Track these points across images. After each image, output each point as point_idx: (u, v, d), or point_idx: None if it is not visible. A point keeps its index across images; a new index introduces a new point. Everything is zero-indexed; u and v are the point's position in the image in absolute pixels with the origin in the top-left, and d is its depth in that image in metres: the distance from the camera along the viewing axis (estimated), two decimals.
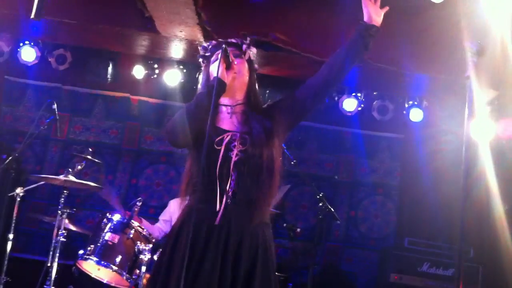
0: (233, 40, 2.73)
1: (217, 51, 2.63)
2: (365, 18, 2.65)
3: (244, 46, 2.70)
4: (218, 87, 2.49)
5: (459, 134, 6.12)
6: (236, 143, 2.54)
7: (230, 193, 2.50)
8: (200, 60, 2.69)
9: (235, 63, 2.61)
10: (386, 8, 2.70)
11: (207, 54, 2.68)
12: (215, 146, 2.53)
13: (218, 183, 2.50)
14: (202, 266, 2.43)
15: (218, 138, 2.55)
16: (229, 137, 2.56)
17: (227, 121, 2.65)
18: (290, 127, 2.73)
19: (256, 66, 2.78)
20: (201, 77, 2.70)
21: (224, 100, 2.67)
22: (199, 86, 2.71)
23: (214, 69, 2.54)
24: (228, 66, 2.57)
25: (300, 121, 2.75)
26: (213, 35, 5.12)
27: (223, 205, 2.49)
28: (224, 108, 2.68)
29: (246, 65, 2.68)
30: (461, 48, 4.61)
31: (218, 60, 2.52)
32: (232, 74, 2.59)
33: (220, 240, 2.47)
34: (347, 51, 2.62)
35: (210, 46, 2.70)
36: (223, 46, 2.53)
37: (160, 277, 2.53)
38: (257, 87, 2.74)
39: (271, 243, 2.61)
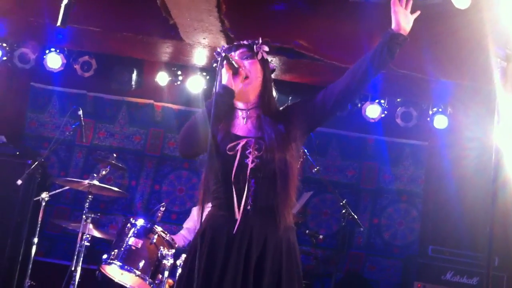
0: (244, 42, 2.69)
1: (230, 52, 2.63)
2: (393, 26, 2.53)
3: (255, 47, 2.65)
4: (223, 95, 2.48)
5: (483, 141, 6.08)
6: (251, 150, 2.52)
7: (250, 200, 2.49)
8: (215, 65, 2.63)
9: (243, 67, 2.58)
10: (417, 13, 2.60)
11: (224, 55, 2.61)
12: (228, 152, 2.51)
13: (234, 191, 2.49)
14: (224, 276, 2.42)
15: (231, 145, 2.53)
16: (243, 143, 2.54)
17: (242, 126, 2.63)
18: (307, 131, 2.68)
19: (272, 64, 2.73)
20: (217, 83, 2.64)
21: (238, 104, 2.65)
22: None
23: (223, 77, 2.52)
24: (236, 72, 2.53)
25: (318, 126, 2.72)
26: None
27: (240, 213, 2.47)
28: (239, 113, 2.65)
29: (258, 65, 2.63)
30: (487, 55, 4.58)
31: (218, 69, 2.51)
32: (241, 78, 2.55)
33: (242, 248, 2.45)
34: (372, 58, 2.52)
35: (222, 51, 2.64)
36: (223, 54, 2.51)
37: (182, 285, 2.53)
38: (272, 87, 2.70)
39: (295, 248, 2.59)
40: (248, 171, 2.50)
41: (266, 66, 2.68)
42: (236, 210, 2.48)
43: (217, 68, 2.56)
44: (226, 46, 2.71)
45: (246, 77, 2.58)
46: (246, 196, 2.49)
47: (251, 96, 2.63)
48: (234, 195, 2.49)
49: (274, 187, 2.50)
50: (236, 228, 2.46)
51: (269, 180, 2.50)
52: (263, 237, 2.49)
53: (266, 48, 2.66)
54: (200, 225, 2.60)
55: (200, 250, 2.51)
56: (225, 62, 2.51)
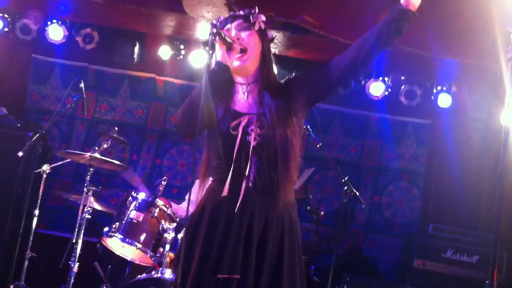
0: (240, 12, 2.61)
1: (226, 24, 2.57)
2: (402, 1, 2.43)
3: (252, 17, 2.58)
4: (218, 72, 2.44)
5: (488, 121, 6.06)
6: (253, 127, 2.48)
7: (252, 177, 2.47)
8: (211, 38, 2.52)
9: (238, 41, 2.51)
10: None
11: (216, 29, 2.50)
12: (231, 131, 2.48)
13: (233, 169, 2.46)
14: (224, 250, 2.41)
15: (235, 123, 2.49)
16: (245, 120, 2.50)
17: (243, 103, 2.58)
18: (309, 105, 2.64)
19: (270, 33, 2.66)
20: (214, 58, 2.56)
21: (238, 79, 2.60)
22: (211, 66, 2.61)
23: (217, 53, 2.47)
24: (229, 47, 2.47)
25: (320, 100, 2.67)
26: None
27: (242, 191, 2.45)
28: (240, 88, 2.61)
29: (256, 36, 2.57)
30: (493, 34, 4.53)
31: (209, 45, 2.47)
32: (235, 53, 2.49)
33: (243, 224, 2.44)
34: (378, 34, 2.45)
35: (218, 22, 2.57)
36: (214, 29, 2.43)
37: (181, 258, 2.53)
38: (271, 58, 2.64)
39: (297, 224, 2.58)
40: (251, 149, 2.47)
41: (264, 36, 2.61)
42: (227, 188, 2.46)
43: (209, 43, 2.50)
44: (222, 17, 2.62)
45: (244, 51, 2.52)
46: (248, 173, 2.47)
47: (251, 69, 2.58)
48: (236, 172, 2.47)
49: (276, 164, 2.47)
50: (237, 206, 2.44)
51: (271, 157, 2.47)
52: (265, 213, 2.47)
53: (263, 18, 2.60)
54: (200, 199, 2.60)
55: (200, 224, 2.51)
56: (217, 37, 2.44)
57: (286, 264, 2.45)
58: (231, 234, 2.43)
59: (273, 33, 2.70)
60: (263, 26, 2.59)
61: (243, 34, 2.55)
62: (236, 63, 2.51)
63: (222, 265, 2.39)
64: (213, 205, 2.51)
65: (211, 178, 2.63)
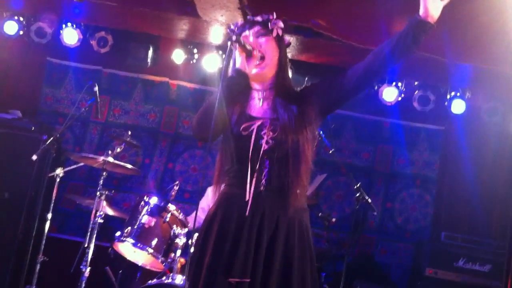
0: (259, 18, 2.62)
1: (244, 30, 2.58)
2: (421, 12, 2.38)
3: (270, 24, 2.60)
4: (236, 79, 2.47)
5: (502, 127, 6.01)
6: (266, 130, 2.50)
7: (263, 181, 2.48)
8: (229, 43, 2.55)
9: (258, 48, 2.53)
10: (448, 0, 2.40)
11: (233, 36, 2.55)
12: (243, 133, 2.50)
13: (249, 171, 2.47)
14: (235, 255, 2.42)
15: (246, 125, 2.52)
16: (259, 123, 2.52)
17: (258, 108, 2.61)
18: (324, 113, 2.65)
19: (286, 39, 2.66)
20: (230, 64, 2.60)
21: (255, 85, 2.63)
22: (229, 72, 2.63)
23: (236, 60, 2.50)
24: (249, 54, 2.50)
25: (336, 108, 2.68)
26: None
27: (251, 194, 2.46)
28: (255, 94, 2.63)
29: (274, 43, 2.59)
30: (508, 40, 4.49)
31: (227, 51, 2.48)
32: (255, 60, 2.52)
33: (253, 228, 2.45)
34: (395, 44, 2.42)
35: (236, 28, 2.60)
36: (235, 37, 2.47)
37: (193, 263, 2.54)
38: (287, 65, 2.66)
39: (308, 229, 2.58)
40: (262, 152, 2.49)
41: (282, 43, 2.63)
42: (248, 190, 2.47)
43: (228, 48, 2.52)
44: (239, 22, 2.65)
45: (262, 58, 2.55)
46: (259, 177, 2.48)
47: (268, 75, 2.60)
48: (248, 176, 2.48)
49: (287, 168, 2.48)
50: (248, 209, 2.45)
51: (283, 161, 2.49)
52: (275, 217, 2.49)
53: (281, 24, 2.61)
54: (214, 203, 2.61)
55: (211, 228, 2.52)
56: (237, 45, 2.47)
57: (296, 270, 2.46)
58: (242, 237, 2.44)
59: (286, 37, 2.68)
60: (280, 32, 2.60)
61: (261, 41, 2.57)
62: (254, 70, 2.54)
63: (233, 269, 2.40)
64: (225, 209, 2.53)
65: (223, 184, 2.64)
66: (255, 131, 2.50)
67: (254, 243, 2.44)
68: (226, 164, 2.60)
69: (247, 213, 2.46)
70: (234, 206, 2.50)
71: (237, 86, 2.48)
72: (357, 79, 2.54)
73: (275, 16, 2.62)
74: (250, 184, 2.47)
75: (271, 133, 2.50)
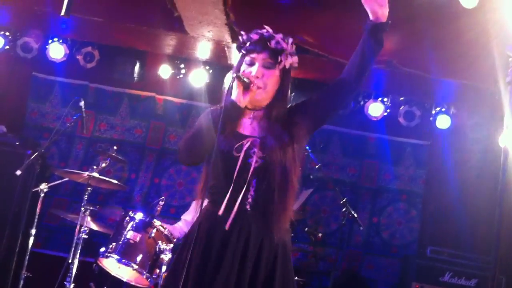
0: (272, 45, 2.51)
1: (254, 51, 2.52)
2: (371, 17, 2.47)
3: (281, 56, 2.51)
4: (230, 111, 2.43)
5: (487, 143, 6.05)
6: (255, 150, 2.49)
7: (250, 199, 2.47)
8: (234, 75, 2.48)
9: (257, 80, 2.48)
10: None
11: (243, 51, 2.54)
12: (234, 153, 2.47)
13: (232, 189, 2.45)
14: (218, 271, 2.40)
15: (238, 144, 2.49)
16: (248, 143, 2.50)
17: (247, 126, 2.58)
18: (311, 130, 2.65)
19: (295, 63, 2.58)
20: (229, 74, 2.54)
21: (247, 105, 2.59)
22: (226, 85, 2.59)
23: (233, 91, 2.45)
24: (247, 87, 2.45)
25: (322, 124, 2.67)
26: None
27: (235, 212, 2.44)
28: (246, 112, 2.59)
29: (277, 76, 2.52)
30: (492, 56, 4.54)
31: (229, 86, 2.45)
32: (252, 93, 2.48)
33: (238, 247, 2.43)
34: (362, 52, 2.49)
35: (248, 43, 2.55)
36: (235, 74, 2.43)
37: (173, 280, 2.51)
38: (287, 96, 2.60)
39: (289, 249, 2.58)
40: (251, 171, 2.47)
41: (286, 75, 2.57)
42: (223, 208, 2.45)
43: (229, 80, 2.48)
44: (253, 36, 2.54)
45: (259, 88, 2.51)
46: (244, 196, 2.46)
47: (263, 102, 2.57)
48: (228, 194, 2.46)
49: (273, 189, 2.47)
50: (228, 224, 2.43)
51: (270, 181, 2.48)
52: (260, 238, 2.47)
53: (292, 60, 2.54)
54: (197, 220, 2.58)
55: (194, 244, 2.48)
56: (236, 78, 2.43)
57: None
58: (226, 256, 2.42)
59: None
60: (288, 66, 2.54)
61: (265, 71, 2.51)
62: (248, 98, 2.49)
63: None
64: (208, 226, 2.50)
65: (207, 200, 2.62)
66: (244, 149, 2.48)
67: (238, 262, 2.42)
68: (211, 179, 2.57)
69: (226, 227, 2.43)
70: (217, 224, 2.48)
71: (230, 117, 2.44)
72: (339, 93, 2.57)
73: (289, 44, 2.54)
74: (229, 201, 2.45)
75: (260, 153, 2.48)
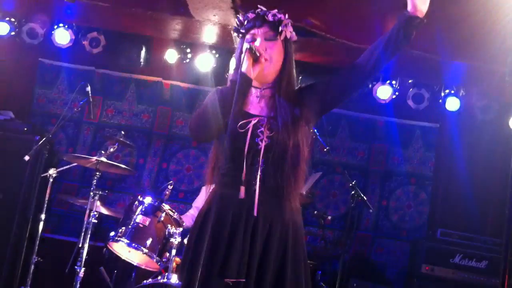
0: (270, 18, 2.55)
1: (253, 27, 2.54)
2: (409, 8, 2.40)
3: (280, 27, 2.54)
4: (240, 83, 2.41)
5: (496, 124, 6.01)
6: (263, 129, 2.48)
7: (257, 180, 2.45)
8: (235, 34, 2.55)
9: (265, 53, 2.49)
10: None
11: (242, 30, 2.55)
12: (239, 130, 2.46)
13: (244, 170, 2.44)
14: (230, 255, 2.39)
15: (242, 122, 2.48)
16: (255, 121, 2.49)
17: (255, 105, 2.58)
18: (320, 113, 2.64)
19: (294, 36, 2.61)
20: (233, 59, 2.59)
21: (254, 82, 2.57)
22: (231, 68, 2.62)
23: (243, 64, 2.44)
24: (256, 59, 2.46)
25: (332, 108, 2.65)
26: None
27: (257, 195, 2.43)
28: (253, 91, 2.60)
29: (281, 47, 2.55)
30: (502, 37, 4.50)
31: (242, 58, 2.44)
32: (261, 65, 2.49)
33: (248, 228, 2.43)
34: (387, 42, 2.44)
35: (246, 21, 2.57)
36: (249, 45, 2.44)
37: (187, 264, 2.51)
38: (292, 68, 2.62)
39: (301, 229, 2.57)
40: (262, 150, 2.46)
41: (289, 46, 2.59)
42: (243, 189, 2.44)
43: (238, 41, 2.49)
44: (250, 15, 2.58)
45: (266, 60, 2.51)
46: (253, 176, 2.45)
47: (270, 77, 2.58)
48: (243, 174, 2.45)
49: (283, 169, 2.46)
50: (256, 210, 2.42)
51: (279, 161, 2.46)
52: (270, 218, 2.46)
53: (291, 29, 2.57)
54: (206, 201, 2.58)
55: (205, 228, 2.48)
56: (247, 50, 2.43)
57: (290, 271, 2.44)
58: (237, 237, 2.41)
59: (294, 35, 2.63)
60: (289, 35, 2.57)
61: (268, 44, 2.53)
62: (257, 70, 2.50)
63: (228, 269, 2.37)
64: (218, 208, 2.48)
65: (216, 182, 2.61)
66: (251, 128, 2.47)
67: (248, 243, 2.41)
68: (219, 161, 2.57)
69: (255, 213, 2.42)
70: (228, 205, 2.47)
71: (240, 90, 2.41)
72: (353, 79, 2.55)
73: (286, 17, 2.58)
74: (246, 183, 2.44)
75: (268, 132, 2.47)
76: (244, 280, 2.37)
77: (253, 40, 2.54)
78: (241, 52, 2.52)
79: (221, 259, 2.39)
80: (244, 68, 2.43)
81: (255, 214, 2.43)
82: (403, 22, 2.41)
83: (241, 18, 2.58)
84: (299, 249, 2.51)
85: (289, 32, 2.57)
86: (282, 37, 2.55)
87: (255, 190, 2.45)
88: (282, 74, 2.58)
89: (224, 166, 2.54)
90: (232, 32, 2.59)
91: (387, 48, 2.44)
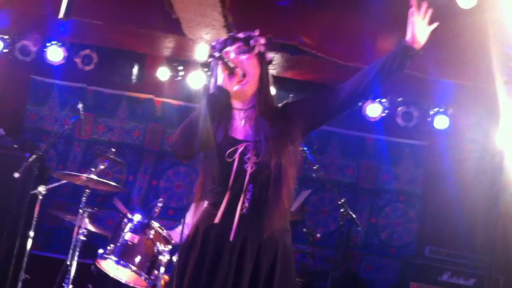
0: (241, 35, 2.58)
1: (226, 46, 2.56)
2: (408, 37, 2.41)
3: (252, 41, 2.56)
4: (218, 96, 2.43)
5: (484, 143, 6.06)
6: (250, 155, 2.48)
7: (247, 204, 2.47)
8: (210, 60, 2.54)
9: (240, 66, 2.50)
10: (435, 25, 2.46)
11: (215, 53, 2.52)
12: (227, 159, 2.48)
13: (229, 197, 2.47)
14: (215, 277, 2.40)
15: (230, 150, 2.49)
16: (242, 147, 2.50)
17: (240, 129, 2.58)
18: (307, 131, 2.64)
19: (269, 56, 2.64)
20: (212, 80, 2.54)
21: (237, 104, 2.60)
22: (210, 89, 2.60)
23: (218, 77, 2.45)
24: (231, 72, 2.46)
25: (317, 127, 2.67)
26: None
27: (236, 220, 2.44)
28: (237, 114, 2.60)
29: (255, 61, 2.56)
30: (490, 56, 4.55)
31: (211, 67, 2.47)
32: (237, 78, 2.49)
33: (235, 251, 2.43)
34: (380, 69, 2.44)
35: (217, 45, 2.58)
36: (218, 55, 2.45)
37: (176, 283, 2.52)
38: (269, 82, 2.62)
39: (290, 249, 2.57)
40: (247, 177, 2.47)
41: (263, 60, 2.60)
42: (221, 213, 2.46)
43: (211, 65, 2.52)
44: (221, 39, 2.61)
45: (244, 76, 2.52)
46: (242, 201, 2.47)
47: (249, 93, 2.57)
48: (225, 201, 2.47)
49: (270, 191, 2.46)
50: (233, 234, 2.43)
51: (265, 185, 2.47)
52: (258, 241, 2.47)
53: (263, 41, 2.58)
54: (194, 223, 2.59)
55: (193, 248, 2.50)
56: (220, 62, 2.45)
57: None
58: (222, 261, 2.42)
59: (271, 54, 2.66)
60: (262, 49, 2.58)
61: (243, 58, 2.54)
62: (236, 87, 2.50)
63: None
64: (205, 230, 2.50)
65: (206, 202, 2.62)
66: (238, 155, 2.48)
67: (234, 268, 2.42)
68: (208, 183, 2.58)
69: (231, 238, 2.43)
70: (215, 228, 2.48)
71: (218, 104, 2.43)
72: (342, 100, 2.54)
73: (257, 33, 2.59)
74: (234, 208, 2.46)
75: (254, 158, 2.48)
76: None
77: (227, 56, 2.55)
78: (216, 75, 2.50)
79: (205, 282, 2.40)
80: (220, 81, 2.44)
81: (231, 238, 2.43)
82: (399, 51, 2.42)
83: (213, 44, 2.59)
84: (288, 270, 2.52)
85: (261, 46, 2.57)
86: (256, 51, 2.56)
87: (244, 215, 2.46)
88: (260, 88, 2.58)
89: (213, 190, 2.56)
90: (207, 60, 2.59)
91: (379, 74, 2.45)
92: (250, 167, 2.47)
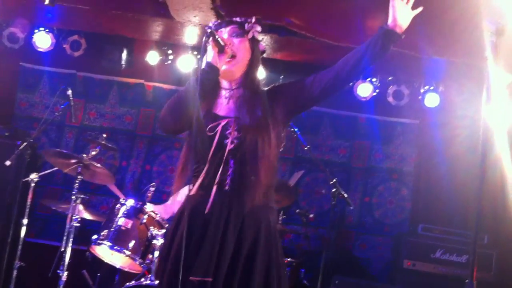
0: (237, 19, 2.64)
1: (221, 27, 2.61)
2: (389, 21, 2.47)
3: (247, 25, 2.62)
4: (208, 73, 2.46)
5: (475, 119, 6.07)
6: (231, 130, 2.52)
7: (228, 180, 2.50)
8: (205, 39, 2.56)
9: (230, 45, 2.55)
10: (419, 9, 2.52)
11: (210, 31, 2.55)
12: (208, 132, 2.51)
13: (207, 170, 2.49)
14: (199, 252, 2.43)
15: (212, 125, 2.52)
16: (224, 123, 2.53)
17: (223, 106, 2.62)
18: (292, 113, 2.67)
19: (262, 45, 2.70)
20: (204, 59, 2.58)
21: (223, 83, 2.64)
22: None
23: (208, 54, 2.49)
24: (221, 50, 2.51)
25: (302, 110, 2.71)
26: None
27: (213, 193, 2.47)
28: (223, 92, 2.64)
29: (247, 44, 2.62)
30: (480, 32, 4.54)
31: (203, 45, 2.49)
32: (226, 57, 2.53)
33: (218, 229, 2.46)
34: (364, 52, 2.49)
35: (212, 26, 2.61)
36: (209, 30, 2.48)
37: (161, 265, 2.56)
38: (258, 68, 2.67)
39: (274, 227, 2.59)
40: (227, 152, 2.50)
41: (256, 45, 2.66)
42: (196, 187, 2.51)
43: (202, 46, 2.53)
44: (217, 21, 2.67)
45: (233, 56, 2.56)
46: (223, 176, 2.49)
47: (237, 74, 2.62)
48: (202, 174, 2.50)
49: (251, 168, 2.49)
50: (208, 207, 2.47)
51: (246, 161, 2.50)
52: (241, 215, 2.49)
53: (258, 28, 2.64)
54: (181, 204, 2.62)
55: (178, 228, 2.54)
56: (211, 39, 2.48)
57: (258, 270, 2.46)
58: (206, 236, 2.45)
59: (260, 36, 2.69)
60: (256, 35, 2.63)
61: (235, 40, 2.59)
62: (224, 67, 2.54)
63: (196, 267, 2.41)
64: (191, 208, 2.52)
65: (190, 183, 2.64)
66: (219, 130, 2.52)
67: (218, 242, 2.44)
68: (192, 162, 2.60)
69: (206, 211, 2.46)
70: (199, 208, 2.50)
71: (208, 80, 2.47)
72: (326, 84, 2.56)
73: (254, 20, 2.64)
74: (207, 183, 2.49)
75: (236, 133, 2.51)
76: (211, 279, 2.40)
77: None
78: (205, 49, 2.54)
79: (190, 258, 2.42)
80: (210, 58, 2.48)
81: (206, 211, 2.47)
82: (382, 35, 2.46)
83: (209, 24, 2.62)
84: (272, 248, 2.53)
85: (256, 31, 2.63)
86: (250, 35, 2.62)
87: (226, 191, 2.49)
88: (248, 71, 2.63)
89: (196, 168, 2.58)
90: (203, 41, 2.60)
91: (363, 58, 2.50)
92: (230, 142, 2.50)
